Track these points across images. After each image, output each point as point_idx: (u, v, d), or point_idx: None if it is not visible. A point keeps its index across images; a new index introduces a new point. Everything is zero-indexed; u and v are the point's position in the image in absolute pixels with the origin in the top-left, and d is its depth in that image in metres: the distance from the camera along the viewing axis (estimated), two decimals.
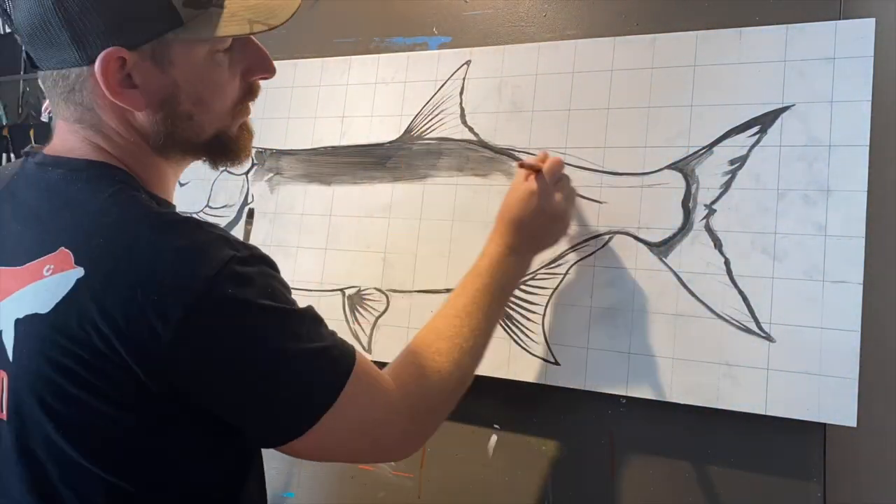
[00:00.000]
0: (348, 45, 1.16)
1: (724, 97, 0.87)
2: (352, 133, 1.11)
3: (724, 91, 0.88)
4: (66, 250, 0.58)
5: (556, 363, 0.91)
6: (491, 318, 0.79)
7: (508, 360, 0.94)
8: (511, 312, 0.95)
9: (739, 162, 0.86)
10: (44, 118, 2.29)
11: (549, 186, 0.84)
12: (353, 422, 0.64)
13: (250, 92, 0.71)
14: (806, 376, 0.79)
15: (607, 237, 0.91)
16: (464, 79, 1.04)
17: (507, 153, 0.99)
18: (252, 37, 0.67)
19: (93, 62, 0.59)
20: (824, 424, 0.80)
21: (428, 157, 1.04)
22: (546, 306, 0.93)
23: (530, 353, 0.93)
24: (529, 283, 0.95)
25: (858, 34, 0.82)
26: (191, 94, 0.64)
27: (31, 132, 2.31)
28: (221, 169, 0.72)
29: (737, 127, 0.86)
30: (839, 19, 0.84)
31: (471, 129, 1.02)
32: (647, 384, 0.86)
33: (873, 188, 0.80)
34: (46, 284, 0.58)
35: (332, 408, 0.61)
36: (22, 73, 2.33)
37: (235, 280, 0.58)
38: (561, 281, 0.93)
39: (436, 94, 1.05)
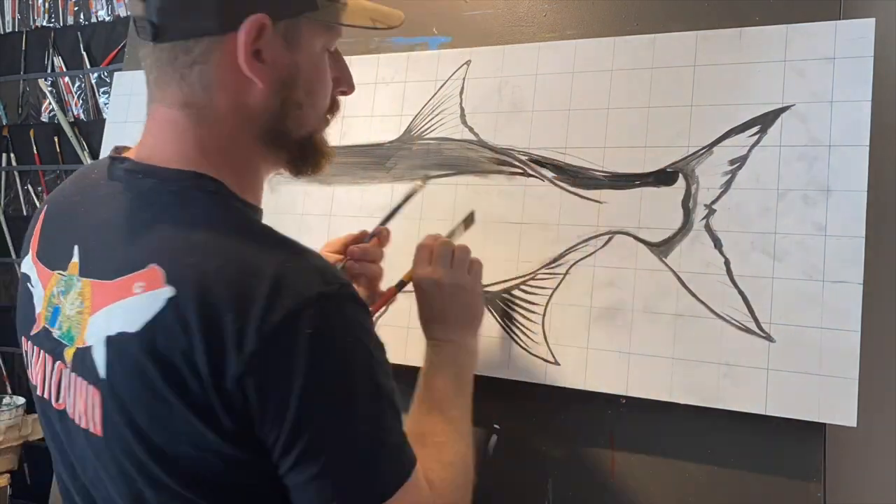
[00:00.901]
0: (348, 45, 1.15)
1: (724, 97, 0.87)
2: (352, 133, 1.10)
3: (724, 91, 0.88)
4: (158, 268, 0.56)
5: (556, 363, 0.91)
6: (463, 408, 0.77)
7: (508, 360, 0.94)
8: (511, 312, 0.95)
9: (739, 162, 0.86)
10: (44, 118, 2.29)
11: (424, 271, 0.82)
12: None
13: (334, 105, 0.72)
14: (806, 376, 0.79)
15: (607, 237, 0.91)
16: (464, 79, 1.04)
17: (507, 153, 0.99)
18: (341, 54, 0.71)
19: (229, 31, 0.59)
20: (824, 424, 0.80)
21: (428, 157, 1.04)
22: (546, 306, 0.93)
23: (530, 353, 0.93)
24: (530, 282, 0.95)
25: (858, 34, 0.82)
26: (306, 82, 0.65)
27: (31, 132, 2.31)
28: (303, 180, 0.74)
29: (737, 127, 0.86)
30: (839, 19, 0.84)
31: (471, 129, 1.02)
32: (647, 384, 0.86)
33: (873, 188, 0.80)
34: (136, 302, 0.56)
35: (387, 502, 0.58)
36: (22, 73, 2.33)
37: (317, 319, 0.55)
38: (561, 281, 0.93)
39: (436, 94, 1.05)
